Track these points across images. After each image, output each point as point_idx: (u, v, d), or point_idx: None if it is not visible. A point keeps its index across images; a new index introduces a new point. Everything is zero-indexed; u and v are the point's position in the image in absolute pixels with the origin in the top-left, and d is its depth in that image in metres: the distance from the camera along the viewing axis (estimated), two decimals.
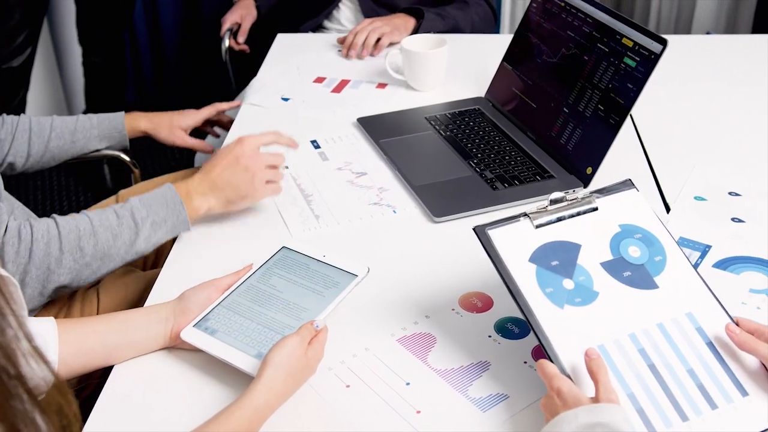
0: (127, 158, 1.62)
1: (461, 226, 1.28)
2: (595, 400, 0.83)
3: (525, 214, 0.98)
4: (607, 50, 1.37)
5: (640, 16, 3.35)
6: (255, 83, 1.82)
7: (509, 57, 1.64)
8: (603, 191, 1.03)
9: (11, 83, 2.48)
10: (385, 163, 1.47)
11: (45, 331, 0.96)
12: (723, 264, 1.16)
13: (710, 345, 0.93)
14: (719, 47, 2.01)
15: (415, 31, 1.98)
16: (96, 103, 2.93)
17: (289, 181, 1.41)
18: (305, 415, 0.94)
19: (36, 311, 1.17)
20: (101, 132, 1.52)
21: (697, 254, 1.18)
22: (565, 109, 1.43)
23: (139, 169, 1.71)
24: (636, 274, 0.97)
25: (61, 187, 3.02)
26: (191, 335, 1.00)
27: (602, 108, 1.35)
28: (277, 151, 1.31)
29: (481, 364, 1.00)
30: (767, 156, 1.46)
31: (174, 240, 1.24)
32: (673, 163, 1.44)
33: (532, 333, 1.03)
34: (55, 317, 1.00)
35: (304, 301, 1.04)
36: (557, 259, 0.96)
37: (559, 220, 0.99)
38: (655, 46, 1.28)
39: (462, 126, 1.57)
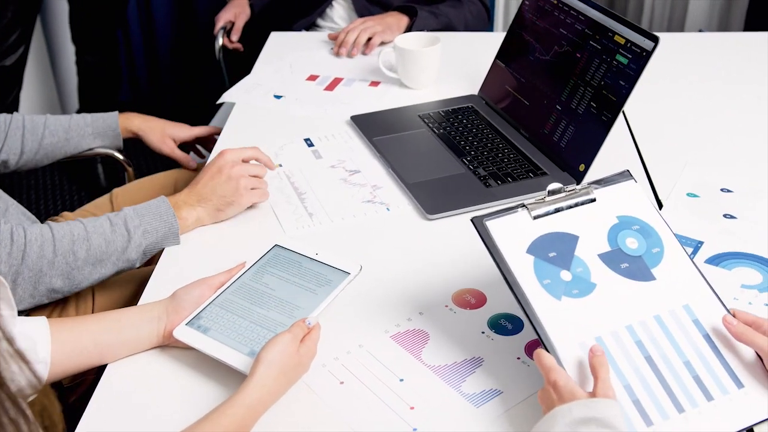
0: (120, 156, 1.61)
1: (454, 224, 1.28)
2: (593, 395, 0.84)
3: (523, 205, 0.98)
4: (599, 47, 1.37)
5: (633, 14, 3.35)
6: (245, 82, 1.82)
7: (502, 55, 1.64)
8: (601, 182, 1.03)
9: (4, 82, 2.47)
10: (379, 160, 1.47)
11: (37, 330, 0.96)
12: (715, 260, 1.17)
13: (707, 337, 0.94)
14: (712, 45, 2.02)
15: (408, 29, 1.98)
16: (90, 103, 2.93)
17: (282, 179, 1.41)
18: (299, 411, 0.94)
19: (29, 312, 1.17)
20: (95, 131, 1.52)
21: (690, 250, 1.19)
22: (557, 107, 1.44)
23: (133, 167, 1.71)
24: (633, 266, 0.97)
25: (55, 186, 3.02)
26: (184, 333, 1.00)
27: (595, 105, 1.36)
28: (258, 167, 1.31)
29: (474, 360, 1.00)
30: (759, 153, 1.47)
31: None
32: (665, 160, 1.45)
33: (525, 329, 1.04)
34: (50, 316, 1.01)
35: (297, 299, 1.04)
36: (555, 250, 0.96)
37: (557, 211, 0.99)
38: (646, 43, 1.28)
39: (455, 124, 1.57)
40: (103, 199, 1.60)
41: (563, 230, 0.98)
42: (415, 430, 0.91)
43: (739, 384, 0.90)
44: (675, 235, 1.21)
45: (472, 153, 1.46)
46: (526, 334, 1.04)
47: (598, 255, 0.97)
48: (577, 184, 1.34)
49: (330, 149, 1.52)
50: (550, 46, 1.49)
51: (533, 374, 0.97)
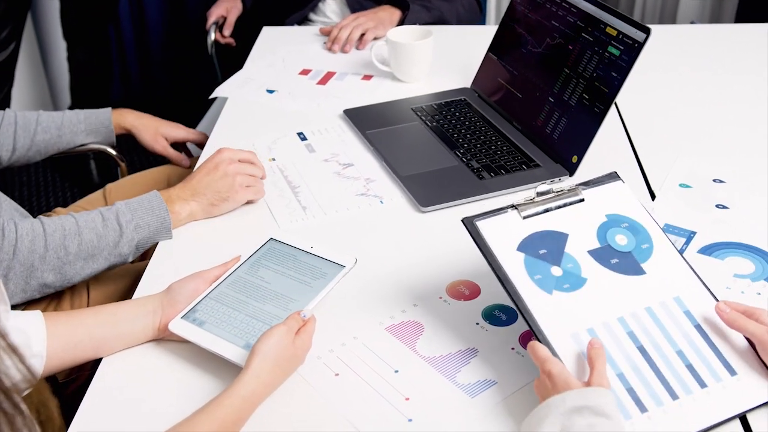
0: (113, 152, 1.61)
1: (448, 216, 1.28)
2: (588, 384, 0.84)
3: (513, 206, 0.99)
4: (591, 39, 1.37)
5: (625, 6, 3.36)
6: (238, 76, 1.81)
7: (494, 47, 1.64)
8: (589, 183, 1.04)
9: None
10: (372, 154, 1.47)
11: (32, 324, 0.96)
12: (708, 250, 1.17)
13: (698, 327, 0.95)
14: (704, 37, 2.03)
15: (401, 23, 1.98)
16: (82, 99, 2.92)
17: (275, 173, 1.41)
18: (295, 403, 0.94)
19: (22, 306, 1.17)
20: (88, 127, 1.51)
21: (683, 240, 1.19)
22: (550, 99, 1.44)
23: (126, 163, 1.71)
24: (623, 261, 0.98)
25: (47, 182, 3.01)
26: (179, 327, 1.01)
27: (587, 97, 1.36)
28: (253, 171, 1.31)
29: (469, 351, 1.01)
30: (751, 143, 1.47)
31: None
32: (658, 151, 1.45)
33: (519, 320, 1.05)
34: (45, 310, 1.01)
35: (292, 292, 1.04)
36: (545, 247, 0.97)
37: (546, 211, 1.00)
38: (638, 35, 1.28)
39: (448, 116, 1.57)
40: (96, 195, 1.60)
41: (553, 228, 0.99)
42: (410, 420, 0.91)
43: (732, 371, 0.91)
44: (667, 225, 1.22)
45: (465, 146, 1.46)
46: (520, 325, 1.04)
47: (588, 251, 0.99)
48: (570, 176, 1.36)
49: (323, 143, 1.52)
50: (543, 39, 1.49)
51: (527, 364, 0.98)
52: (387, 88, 1.74)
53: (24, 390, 0.65)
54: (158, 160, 1.65)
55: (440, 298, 1.10)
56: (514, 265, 0.95)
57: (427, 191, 1.33)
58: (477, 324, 1.05)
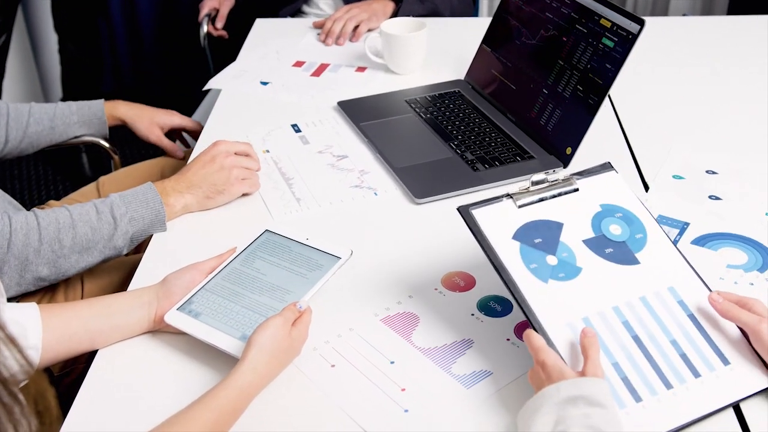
0: (106, 144, 1.61)
1: (443, 207, 1.28)
2: (582, 374, 0.85)
3: (508, 195, 1.00)
4: (585, 31, 1.37)
5: None
6: (231, 68, 1.81)
7: (488, 39, 1.64)
8: (583, 173, 1.05)
9: None
10: (366, 145, 1.47)
11: (27, 316, 0.95)
12: (701, 240, 1.18)
13: (692, 317, 0.95)
14: (696, 29, 2.03)
15: (394, 15, 1.97)
16: (73, 92, 2.91)
17: (269, 164, 1.41)
18: (291, 395, 0.94)
19: (16, 299, 1.16)
20: (81, 119, 1.51)
21: (676, 231, 1.20)
22: (544, 90, 1.44)
23: (119, 155, 1.70)
24: (617, 251, 0.99)
25: (39, 176, 3.00)
26: (175, 318, 1.00)
27: (581, 88, 1.36)
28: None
29: (464, 342, 1.01)
30: (743, 135, 1.48)
31: None
32: (651, 142, 1.46)
33: (514, 311, 1.05)
34: (40, 303, 1.00)
35: (288, 284, 1.04)
36: (540, 236, 0.98)
37: (541, 200, 1.00)
38: (632, 26, 1.29)
39: (442, 108, 1.57)
40: (90, 188, 1.59)
41: (548, 218, 1.00)
42: (406, 411, 0.92)
43: (725, 361, 0.92)
44: (661, 216, 1.23)
45: (460, 137, 1.46)
46: (515, 316, 1.05)
47: (583, 241, 0.99)
48: (565, 167, 1.37)
49: (317, 135, 1.52)
50: (537, 31, 1.49)
51: (522, 355, 0.98)
52: (381, 80, 1.74)
53: (21, 382, 0.65)
54: (152, 152, 1.65)
55: (435, 289, 1.10)
56: (510, 253, 0.96)
57: (421, 183, 1.33)
58: (472, 315, 1.05)
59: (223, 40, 2.34)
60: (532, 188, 1.01)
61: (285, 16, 2.20)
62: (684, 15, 2.98)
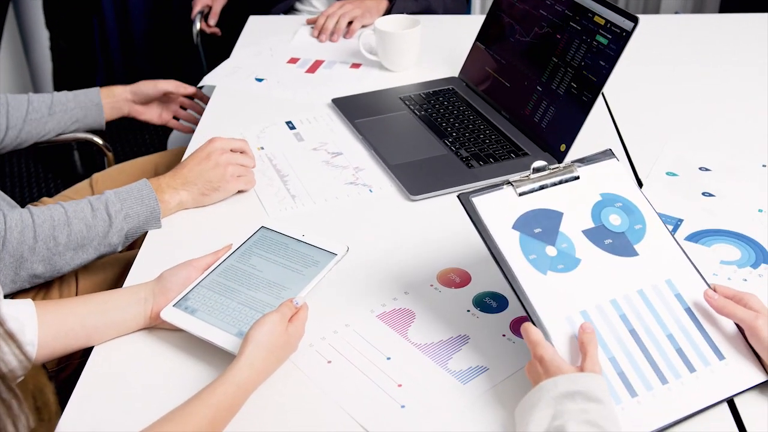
0: (100, 141, 1.60)
1: (438, 204, 1.29)
2: (580, 370, 0.85)
3: (508, 182, 0.99)
4: (579, 28, 1.38)
5: None
6: (226, 65, 1.81)
7: (482, 37, 1.65)
8: (584, 160, 1.04)
9: None
10: (361, 143, 1.47)
11: (23, 312, 0.95)
12: (695, 237, 1.19)
13: (688, 311, 0.96)
14: (688, 27, 2.04)
15: (388, 12, 1.98)
16: (65, 89, 2.89)
17: (264, 161, 1.41)
18: (288, 391, 0.94)
19: (12, 296, 1.16)
20: (78, 105, 1.51)
21: (670, 227, 1.20)
22: (538, 88, 1.45)
23: (112, 152, 1.70)
24: (617, 242, 0.99)
25: (30, 173, 2.99)
26: (171, 315, 1.00)
27: (575, 86, 1.37)
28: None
29: (460, 338, 1.01)
30: (736, 132, 1.49)
31: None
32: (644, 140, 1.46)
33: (510, 307, 1.05)
34: (34, 299, 1.00)
35: (284, 280, 1.04)
36: (540, 226, 0.97)
37: (542, 188, 1.00)
38: (626, 24, 1.29)
39: (436, 105, 1.58)
40: (83, 185, 1.59)
41: (548, 207, 0.99)
42: (403, 407, 0.92)
43: (720, 356, 0.93)
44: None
45: (454, 134, 1.47)
46: (511, 312, 1.05)
47: (582, 231, 0.99)
48: (559, 164, 1.37)
49: (312, 132, 1.52)
50: (531, 28, 1.50)
51: (518, 351, 0.99)
52: (375, 77, 1.74)
53: (18, 377, 0.65)
54: (145, 150, 1.65)
55: (431, 285, 1.10)
56: (510, 244, 0.95)
57: (416, 180, 1.33)
58: (468, 311, 1.06)
59: (215, 37, 2.33)
60: (533, 176, 1.00)
61: (278, 13, 2.20)
62: (676, 13, 2.99)
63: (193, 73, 2.40)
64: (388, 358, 0.98)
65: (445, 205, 1.27)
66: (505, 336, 1.01)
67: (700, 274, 0.99)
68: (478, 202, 0.97)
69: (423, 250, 1.17)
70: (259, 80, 1.73)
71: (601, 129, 1.50)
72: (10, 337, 0.61)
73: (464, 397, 0.93)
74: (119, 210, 1.16)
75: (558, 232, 0.98)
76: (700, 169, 1.36)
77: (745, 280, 1.10)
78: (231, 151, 1.28)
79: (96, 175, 1.60)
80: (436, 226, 1.23)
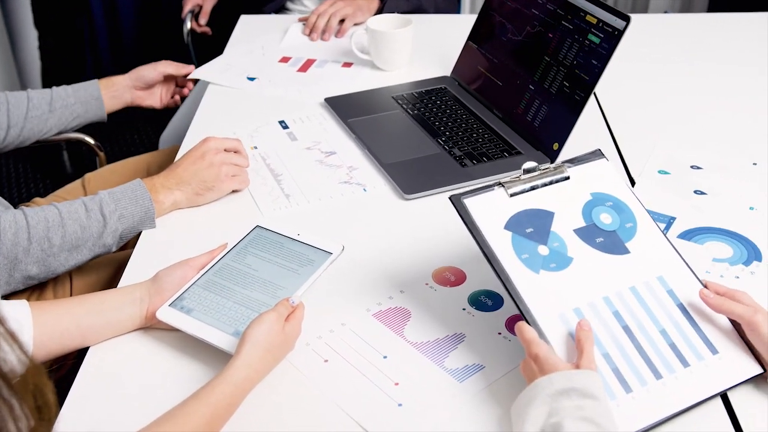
0: (91, 141, 1.60)
1: (432, 203, 1.29)
2: (576, 366, 0.86)
3: (499, 183, 1.00)
4: (571, 27, 1.39)
5: None
6: (218, 62, 1.80)
7: (474, 36, 1.65)
8: (574, 161, 1.05)
9: None
10: (354, 142, 1.47)
11: (19, 313, 0.95)
12: (687, 234, 1.20)
13: (681, 306, 0.97)
14: (677, 26, 2.05)
15: (379, 11, 1.98)
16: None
17: (258, 161, 1.41)
18: (285, 389, 0.94)
19: (6, 297, 1.16)
20: (78, 100, 1.50)
21: (662, 225, 1.21)
22: (530, 87, 1.45)
23: (104, 152, 1.69)
24: (608, 240, 1.00)
25: (18, 174, 2.97)
26: (167, 314, 1.00)
27: (567, 85, 1.37)
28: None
29: (456, 336, 1.02)
30: (726, 130, 1.50)
31: None
32: (636, 139, 1.47)
33: (505, 305, 1.06)
34: (28, 300, 1.00)
35: (280, 280, 1.04)
36: (532, 226, 0.98)
37: (533, 188, 1.01)
38: (618, 23, 1.30)
39: (429, 105, 1.58)
40: (75, 185, 1.58)
41: (539, 207, 1.00)
42: (400, 405, 0.92)
43: (714, 350, 0.93)
44: (648, 211, 1.24)
45: (447, 134, 1.47)
46: (506, 310, 1.05)
47: (574, 230, 1.00)
48: (551, 163, 1.37)
49: (305, 131, 1.52)
50: (522, 27, 1.50)
51: (514, 349, 0.99)
52: (367, 77, 1.74)
53: (15, 377, 0.65)
54: (132, 150, 1.64)
55: (426, 284, 1.11)
56: (502, 244, 0.96)
57: (410, 179, 1.33)
58: (463, 310, 1.06)
59: (206, 36, 2.33)
60: (523, 176, 1.01)
61: (269, 13, 2.20)
62: (665, 12, 3.00)
63: None
64: (385, 357, 0.99)
65: (439, 203, 1.28)
66: (500, 334, 1.02)
67: (692, 271, 1.00)
68: (470, 203, 0.97)
69: (417, 249, 1.18)
70: (251, 79, 1.72)
71: (593, 128, 1.51)
72: (12, 336, 0.61)
73: (461, 395, 0.93)
74: (113, 210, 1.16)
75: (550, 231, 0.98)
76: (692, 167, 1.37)
77: (737, 277, 1.11)
78: (225, 150, 1.28)
79: (88, 175, 1.59)
80: (430, 224, 1.23)
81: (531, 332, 0.90)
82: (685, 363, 0.92)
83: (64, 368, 1.14)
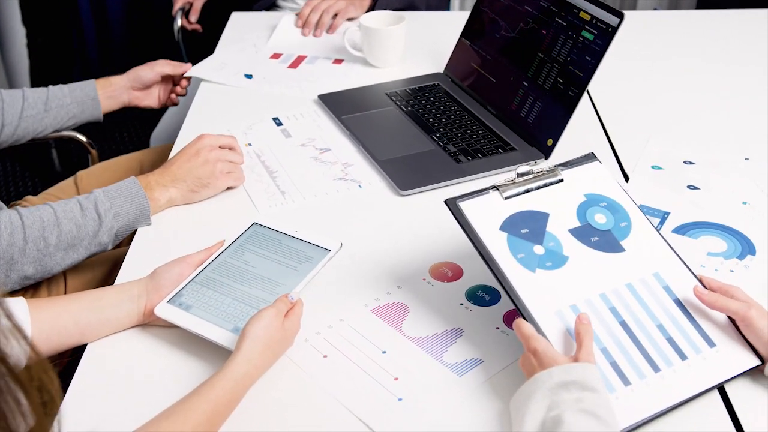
0: (84, 138, 1.59)
1: (427, 199, 1.29)
2: (575, 359, 0.86)
3: (494, 187, 1.01)
4: (564, 24, 1.39)
5: None
6: (212, 60, 1.79)
7: (467, 32, 1.65)
8: (567, 164, 1.06)
9: None
10: (349, 138, 1.48)
11: (16, 311, 0.94)
12: (681, 229, 1.21)
13: (677, 302, 0.97)
14: (667, 23, 2.06)
15: (371, 8, 1.98)
16: (42, 86, 2.86)
17: (252, 158, 1.41)
18: (284, 385, 0.94)
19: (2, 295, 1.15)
20: (74, 100, 1.49)
21: (657, 220, 1.22)
22: (524, 83, 1.46)
23: (96, 150, 1.68)
24: (603, 239, 1.00)
25: (7, 172, 2.95)
26: (166, 311, 1.00)
27: (561, 81, 1.38)
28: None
29: (454, 331, 1.02)
30: (718, 126, 1.51)
31: None
32: (629, 134, 1.48)
33: (502, 300, 1.07)
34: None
35: (279, 276, 1.04)
36: (527, 227, 0.99)
37: (527, 191, 1.02)
38: (612, 19, 1.31)
39: (423, 101, 1.58)
40: (68, 182, 1.58)
41: (534, 208, 1.01)
42: (400, 400, 0.92)
43: (711, 343, 0.94)
44: (642, 206, 1.25)
45: (441, 130, 1.47)
46: (504, 305, 1.06)
47: (569, 230, 1.01)
48: (546, 159, 1.38)
49: (299, 128, 1.52)
50: (515, 24, 1.51)
51: (512, 343, 1.00)
52: (358, 73, 1.74)
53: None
54: (121, 148, 1.64)
55: (424, 279, 1.11)
56: (498, 244, 0.97)
57: (405, 175, 1.34)
58: (461, 305, 1.06)
59: (197, 33, 2.32)
60: (517, 180, 1.03)
61: (260, 10, 2.19)
62: (654, 9, 3.02)
63: None
64: (384, 352, 0.99)
65: (434, 200, 1.28)
66: (498, 328, 1.02)
67: (687, 266, 1.01)
68: (466, 206, 0.99)
69: (414, 244, 1.18)
70: (248, 77, 1.72)
71: (587, 123, 1.52)
72: (19, 331, 0.61)
73: (460, 390, 0.94)
74: (109, 209, 1.15)
75: (545, 231, 1.00)
76: (685, 162, 1.38)
77: (732, 271, 1.12)
78: (220, 147, 1.28)
79: (81, 173, 1.58)
80: (426, 220, 1.24)
81: (529, 328, 0.91)
82: (683, 356, 0.93)
83: (61, 365, 1.13)
